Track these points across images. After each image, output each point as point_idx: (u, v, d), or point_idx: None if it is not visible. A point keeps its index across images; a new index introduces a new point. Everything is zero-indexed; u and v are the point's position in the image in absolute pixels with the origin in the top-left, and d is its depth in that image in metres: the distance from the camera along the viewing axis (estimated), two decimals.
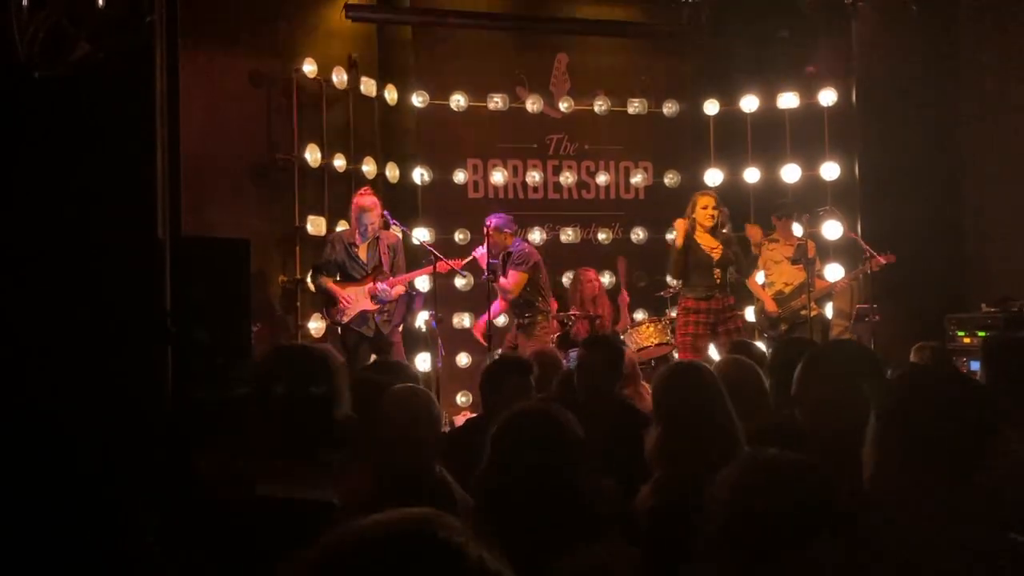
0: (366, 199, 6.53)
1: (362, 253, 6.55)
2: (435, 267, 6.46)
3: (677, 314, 6.89)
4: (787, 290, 6.97)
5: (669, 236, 8.31)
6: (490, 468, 2.18)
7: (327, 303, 6.59)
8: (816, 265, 6.87)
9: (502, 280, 6.70)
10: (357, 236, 6.52)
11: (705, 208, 6.59)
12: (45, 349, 4.03)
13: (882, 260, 6.63)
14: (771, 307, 6.97)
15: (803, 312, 6.71)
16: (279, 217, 6.91)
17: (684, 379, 2.81)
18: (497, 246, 6.65)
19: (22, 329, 3.88)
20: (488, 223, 6.56)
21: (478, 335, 7.04)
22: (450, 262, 6.55)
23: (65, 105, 3.89)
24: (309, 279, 6.78)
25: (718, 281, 6.55)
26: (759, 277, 7.16)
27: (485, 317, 6.73)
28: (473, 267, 6.94)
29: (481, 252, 6.60)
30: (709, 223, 6.58)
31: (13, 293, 3.88)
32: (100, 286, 4.24)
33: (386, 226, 6.62)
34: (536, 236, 8.11)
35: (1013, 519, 1.81)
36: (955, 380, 1.94)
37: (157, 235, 4.68)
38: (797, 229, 6.94)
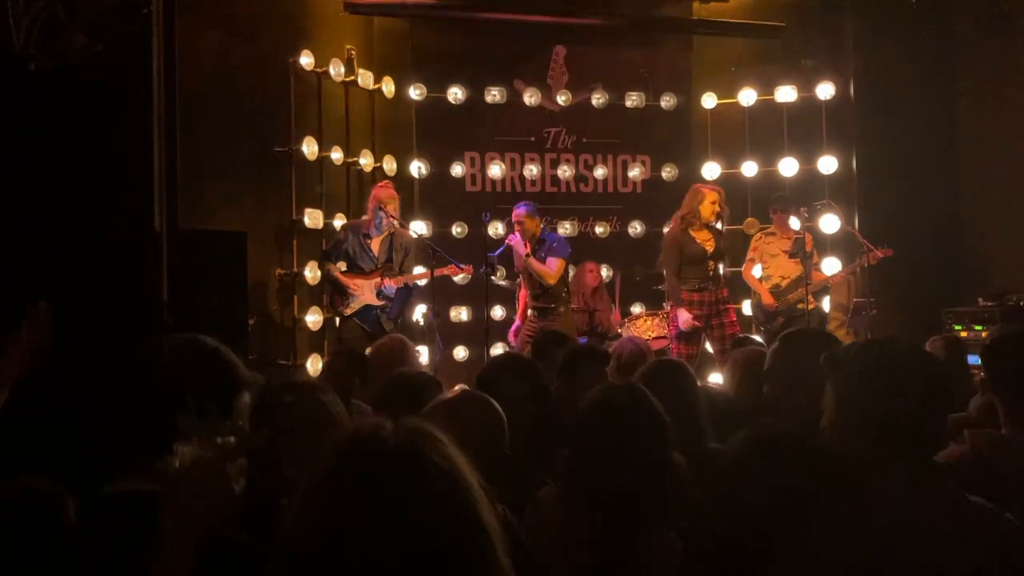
0: (385, 191, 6.56)
1: (375, 246, 6.57)
2: (433, 272, 6.45)
3: (671, 307, 6.90)
4: (784, 284, 6.98)
5: (666, 228, 8.35)
6: (583, 442, 2.23)
7: (332, 293, 6.61)
8: (814, 259, 6.87)
9: (542, 267, 6.73)
10: (372, 228, 6.54)
11: (713, 203, 6.59)
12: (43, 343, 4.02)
13: (879, 254, 6.64)
14: (768, 300, 6.97)
15: (800, 305, 6.72)
16: (276, 210, 6.90)
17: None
18: (528, 232, 6.75)
19: (17, 323, 3.87)
20: (518, 211, 6.81)
21: (513, 339, 7.06)
22: (462, 268, 6.59)
23: (61, 97, 3.87)
24: (317, 265, 6.81)
25: (711, 274, 6.56)
26: (756, 270, 7.16)
27: (519, 321, 6.88)
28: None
29: (516, 239, 6.70)
30: (712, 219, 6.57)
31: (7, 287, 3.87)
32: (96, 279, 4.23)
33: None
34: None
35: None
36: (910, 354, 1.95)
37: (154, 228, 4.67)
38: (794, 222, 6.94)
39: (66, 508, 1.89)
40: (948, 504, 1.77)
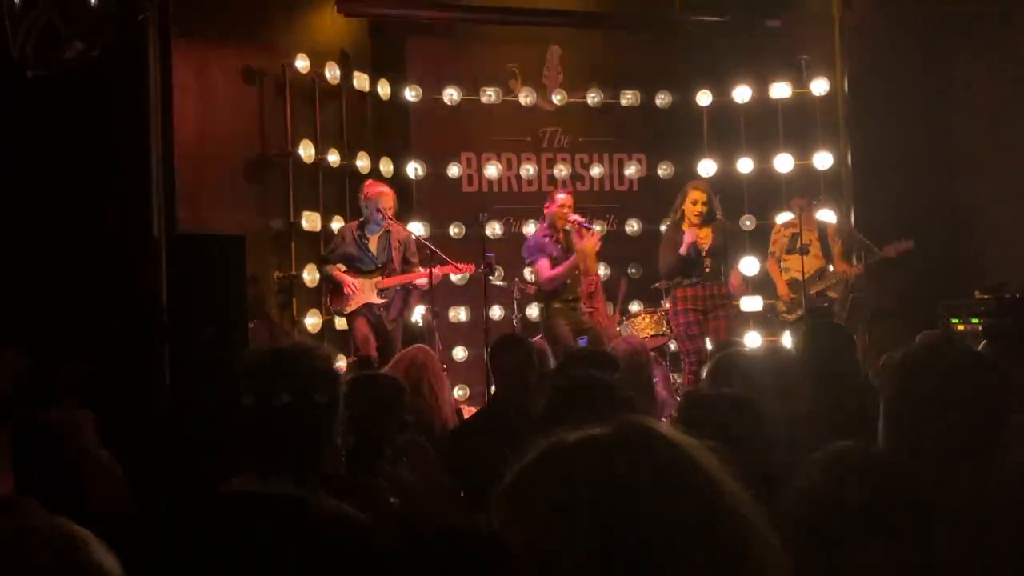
0: (373, 189, 6.61)
1: (373, 245, 6.59)
2: (432, 272, 6.45)
3: (670, 304, 6.93)
4: (801, 277, 6.99)
5: (663, 227, 8.38)
6: None
7: (330, 291, 6.63)
8: (837, 250, 6.95)
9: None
10: (369, 226, 6.57)
11: (695, 203, 6.60)
12: (43, 347, 4.05)
13: (901, 248, 6.71)
14: (783, 291, 7.01)
15: (820, 298, 6.77)
16: (274, 213, 6.92)
17: None
18: (561, 219, 6.79)
19: (20, 327, 3.89)
20: (549, 205, 6.93)
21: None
22: (460, 267, 6.59)
23: (59, 104, 3.90)
24: (317, 269, 6.83)
25: (707, 270, 6.59)
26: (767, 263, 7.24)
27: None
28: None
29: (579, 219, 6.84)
30: (696, 220, 6.59)
31: (9, 292, 3.90)
32: (96, 284, 4.26)
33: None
34: (531, 229, 8.12)
35: None
36: (968, 356, 1.89)
37: (152, 233, 4.70)
38: (825, 215, 7.00)
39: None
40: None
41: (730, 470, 1.06)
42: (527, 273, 7.86)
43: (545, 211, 7.03)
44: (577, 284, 6.84)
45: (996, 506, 1.67)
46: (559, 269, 6.76)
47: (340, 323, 6.85)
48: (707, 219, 6.63)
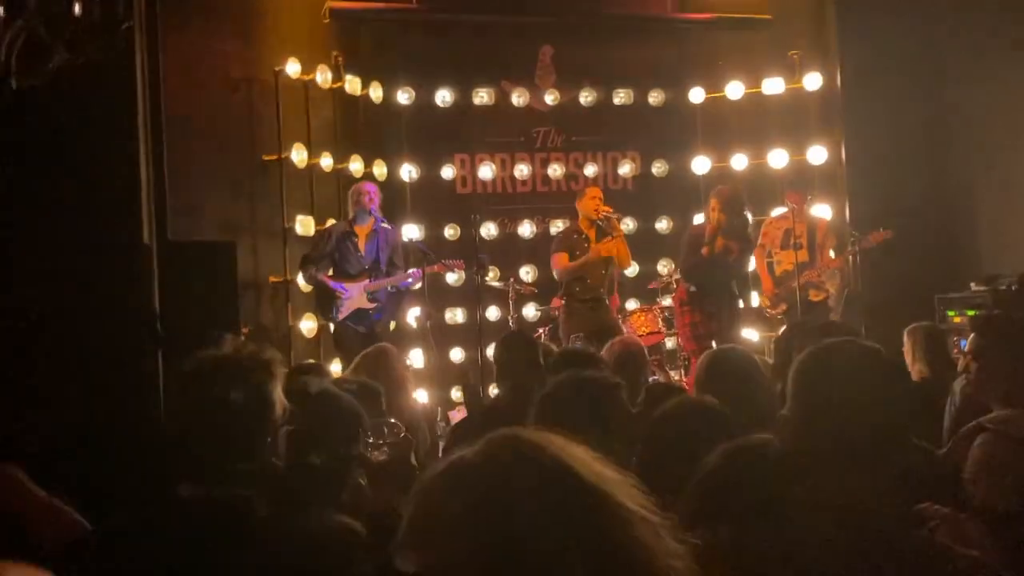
0: (355, 187, 6.62)
1: (361, 244, 6.53)
2: (424, 270, 6.45)
3: (674, 303, 6.90)
4: (792, 269, 6.97)
5: (659, 225, 8.37)
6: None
7: (320, 299, 6.57)
8: (828, 245, 6.93)
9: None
10: (356, 223, 6.52)
11: (713, 210, 6.63)
12: (37, 357, 4.04)
13: (880, 236, 6.68)
14: (767, 287, 6.99)
15: (809, 291, 6.75)
16: (267, 218, 6.91)
17: None
18: (593, 212, 6.77)
19: (12, 338, 3.89)
20: (580, 199, 6.91)
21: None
22: (449, 264, 6.60)
23: (45, 113, 3.89)
24: (299, 272, 6.66)
25: (724, 278, 6.58)
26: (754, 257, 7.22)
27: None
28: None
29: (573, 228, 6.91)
30: (713, 226, 6.60)
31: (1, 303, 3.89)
32: (88, 293, 4.24)
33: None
34: (527, 229, 8.13)
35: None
36: (866, 356, 1.82)
37: (143, 240, 4.69)
38: (818, 209, 6.98)
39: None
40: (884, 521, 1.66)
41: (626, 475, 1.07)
42: (522, 273, 7.86)
43: (577, 206, 6.98)
44: (599, 285, 6.80)
45: (866, 512, 1.63)
46: (569, 265, 6.73)
47: None
48: (727, 227, 6.54)
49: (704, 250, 6.52)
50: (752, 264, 6.99)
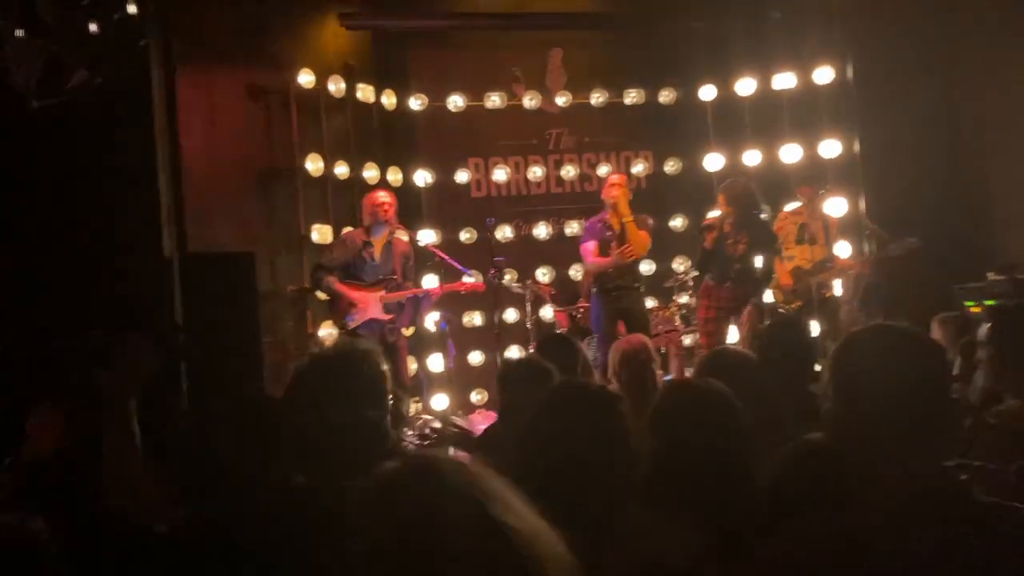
0: (369, 197, 6.58)
1: (376, 254, 6.49)
2: (441, 287, 6.46)
3: (698, 297, 6.90)
4: (807, 266, 6.96)
5: (673, 223, 8.38)
6: (661, 444, 2.12)
7: (333, 307, 6.53)
8: (833, 242, 6.92)
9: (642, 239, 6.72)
10: (371, 232, 6.49)
11: (720, 205, 6.62)
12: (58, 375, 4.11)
13: (909, 248, 6.65)
14: (785, 280, 6.97)
15: (823, 290, 6.73)
16: (284, 228, 6.97)
17: None
18: (607, 196, 6.74)
19: (35, 354, 3.96)
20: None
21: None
22: (469, 277, 6.59)
23: (65, 132, 3.97)
24: (312, 279, 6.58)
25: (736, 271, 6.57)
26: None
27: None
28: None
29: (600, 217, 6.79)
30: (719, 221, 6.60)
31: (23, 321, 3.96)
32: (110, 308, 4.32)
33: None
34: (542, 231, 8.16)
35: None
36: (904, 339, 1.76)
37: (164, 253, 4.76)
38: (833, 203, 6.96)
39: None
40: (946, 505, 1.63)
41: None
42: (539, 274, 7.89)
43: (602, 196, 6.93)
44: (626, 271, 6.76)
45: (911, 497, 1.61)
46: (599, 261, 6.70)
47: None
48: (737, 221, 6.51)
49: (707, 241, 6.52)
50: (760, 261, 6.97)
